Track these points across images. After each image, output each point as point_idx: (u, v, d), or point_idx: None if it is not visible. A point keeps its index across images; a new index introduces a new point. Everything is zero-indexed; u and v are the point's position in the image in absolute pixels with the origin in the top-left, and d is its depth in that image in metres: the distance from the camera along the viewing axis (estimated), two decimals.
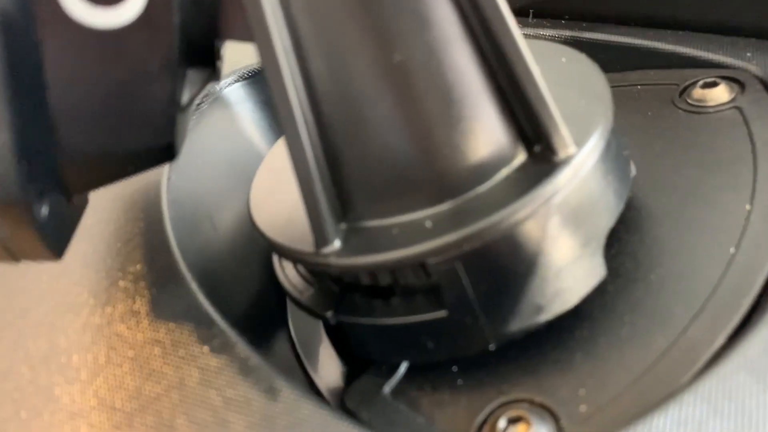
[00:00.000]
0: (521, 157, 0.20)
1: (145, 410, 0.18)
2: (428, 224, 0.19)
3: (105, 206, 0.24)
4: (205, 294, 0.22)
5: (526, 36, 0.33)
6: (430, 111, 0.19)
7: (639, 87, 0.30)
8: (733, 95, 0.27)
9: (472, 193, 0.20)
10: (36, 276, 0.22)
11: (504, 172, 0.20)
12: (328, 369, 0.25)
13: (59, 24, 0.15)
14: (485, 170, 0.20)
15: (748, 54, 0.29)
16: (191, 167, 0.28)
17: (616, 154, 0.21)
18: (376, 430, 0.20)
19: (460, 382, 0.21)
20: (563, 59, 0.24)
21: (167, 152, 0.18)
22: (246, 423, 0.17)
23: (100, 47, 0.16)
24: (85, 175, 0.18)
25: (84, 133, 0.17)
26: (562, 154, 0.19)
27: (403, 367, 0.22)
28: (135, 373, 0.19)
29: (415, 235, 0.19)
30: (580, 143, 0.19)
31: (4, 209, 0.16)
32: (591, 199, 0.20)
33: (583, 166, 0.19)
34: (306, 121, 0.18)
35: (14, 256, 0.18)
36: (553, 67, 0.23)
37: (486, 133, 0.19)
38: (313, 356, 0.26)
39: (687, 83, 0.29)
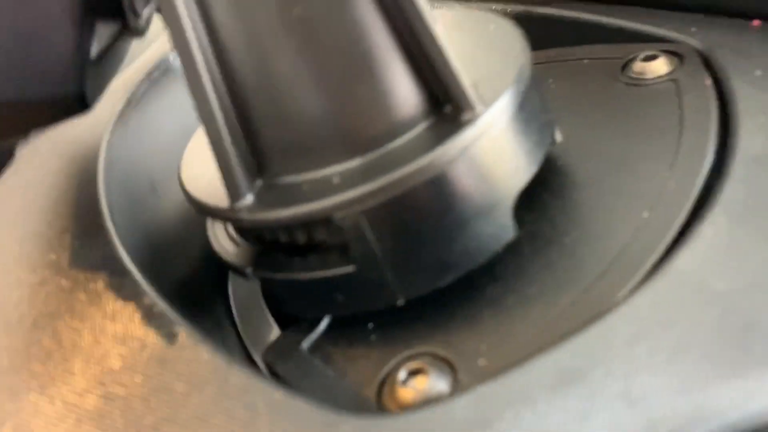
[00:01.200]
0: (433, 116, 0.20)
1: (54, 354, 0.18)
2: (336, 180, 0.20)
3: (43, 164, 0.25)
4: (131, 249, 0.22)
5: (475, 7, 0.33)
6: (334, 67, 0.19)
7: (585, 61, 0.30)
8: (671, 68, 0.27)
9: (381, 150, 0.20)
10: None
11: (414, 131, 0.20)
12: (262, 330, 0.26)
13: None
14: (394, 128, 0.20)
15: (693, 29, 0.29)
16: (136, 134, 0.28)
17: (530, 116, 0.21)
18: (291, 384, 0.21)
19: (373, 337, 0.21)
20: (491, 27, 0.24)
21: (78, 103, 0.19)
22: (138, 363, 0.17)
23: None
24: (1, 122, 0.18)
25: None
26: (468, 115, 0.19)
27: (323, 324, 0.22)
28: (46, 317, 0.19)
29: (323, 190, 0.19)
30: (488, 104, 0.20)
31: None
32: (499, 159, 0.20)
33: (490, 126, 0.20)
34: (212, 76, 0.19)
35: None
36: (478, 33, 0.24)
37: (394, 92, 0.20)
38: (248, 318, 0.26)
39: (630, 57, 0.29)
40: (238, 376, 0.17)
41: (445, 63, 0.19)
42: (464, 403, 0.16)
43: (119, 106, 0.28)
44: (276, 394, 0.17)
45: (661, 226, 0.21)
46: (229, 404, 0.17)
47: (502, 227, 0.21)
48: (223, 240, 0.24)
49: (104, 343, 0.18)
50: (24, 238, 0.22)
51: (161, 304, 0.19)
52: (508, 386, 0.17)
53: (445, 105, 0.20)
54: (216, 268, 0.27)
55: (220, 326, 0.25)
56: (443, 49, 0.19)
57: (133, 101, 0.30)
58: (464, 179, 0.20)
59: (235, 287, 0.28)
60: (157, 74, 0.31)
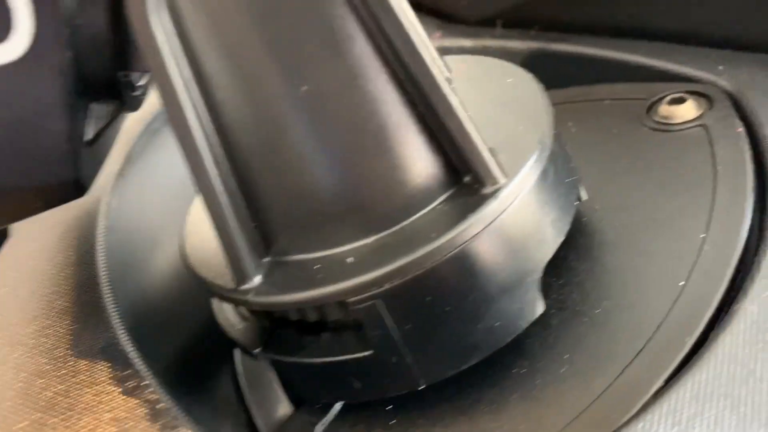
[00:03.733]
0: (452, 188, 0.19)
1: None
2: (350, 260, 0.18)
3: (38, 230, 0.24)
4: (133, 330, 0.21)
5: (492, 48, 0.32)
6: (347, 142, 0.18)
7: (607, 102, 0.29)
8: (700, 112, 0.26)
9: (398, 227, 0.19)
10: None
11: (432, 205, 0.19)
12: (273, 406, 0.25)
13: None
14: (412, 203, 0.19)
15: (720, 67, 0.28)
16: (136, 191, 0.27)
17: (555, 182, 0.20)
18: None
19: (393, 422, 0.20)
20: (509, 79, 0.22)
21: (74, 187, 0.18)
22: None
23: None
24: None
25: None
26: (489, 186, 0.18)
27: (338, 405, 0.21)
28: (49, 415, 0.18)
29: (336, 272, 0.18)
30: (511, 174, 0.18)
31: None
32: (524, 231, 0.19)
33: (513, 197, 0.18)
34: (214, 154, 0.18)
35: None
36: (495, 88, 0.22)
37: (411, 165, 0.18)
38: (258, 393, 0.25)
39: (655, 98, 0.27)
40: None
41: (465, 134, 0.18)
42: None
43: (118, 165, 0.27)
44: None
45: (700, 299, 0.19)
46: None
47: (530, 303, 0.19)
48: (229, 313, 0.23)
49: None
50: (23, 321, 0.21)
51: (166, 400, 0.18)
52: None
53: (465, 176, 0.19)
54: (222, 338, 0.26)
55: (228, 402, 0.24)
56: (462, 120, 0.17)
57: (133, 156, 0.28)
58: (488, 255, 0.18)
59: (243, 358, 0.26)
60: (157, 125, 0.30)
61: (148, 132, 0.29)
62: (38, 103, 0.16)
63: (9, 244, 0.23)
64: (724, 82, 0.27)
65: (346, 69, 0.17)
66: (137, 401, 0.18)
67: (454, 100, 0.17)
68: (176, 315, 0.24)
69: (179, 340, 0.23)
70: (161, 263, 0.26)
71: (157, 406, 0.18)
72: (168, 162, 0.29)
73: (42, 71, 0.16)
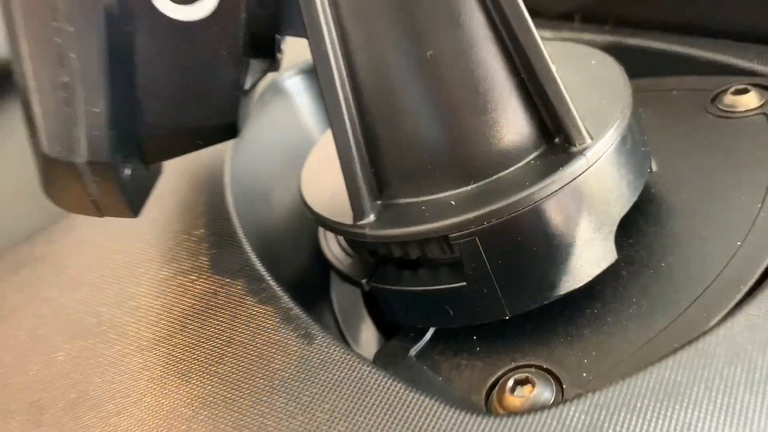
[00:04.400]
0: (543, 146, 0.22)
1: (200, 346, 0.21)
2: (453, 203, 0.22)
3: (175, 179, 0.28)
4: (259, 255, 0.25)
5: (570, 40, 0.35)
6: (458, 102, 0.21)
7: (675, 92, 0.32)
8: (761, 102, 0.28)
9: (495, 177, 0.22)
10: (113, 234, 0.26)
11: (526, 160, 0.22)
12: (364, 335, 0.28)
13: (149, 17, 0.18)
14: (508, 157, 0.22)
15: None
16: (252, 149, 0.31)
17: (632, 149, 0.23)
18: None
19: (478, 349, 0.23)
20: (593, 62, 0.26)
21: (231, 130, 0.21)
22: (284, 361, 0.20)
23: (180, 37, 0.19)
24: (161, 146, 0.21)
25: (162, 110, 0.20)
26: (578, 146, 0.21)
27: (429, 333, 0.24)
28: (193, 316, 0.22)
29: (441, 212, 0.21)
30: (596, 137, 0.21)
31: (96, 167, 0.19)
32: (604, 188, 0.22)
33: (597, 157, 0.21)
34: (348, 109, 0.21)
35: (100, 210, 0.21)
36: (582, 68, 0.25)
37: (509, 124, 0.22)
38: (351, 324, 0.29)
39: (719, 89, 0.30)
40: (373, 375, 0.19)
41: (562, 100, 0.21)
42: (576, 410, 0.18)
43: None
44: (410, 394, 0.19)
45: (754, 255, 0.22)
46: (367, 402, 0.19)
47: (604, 252, 0.22)
48: (336, 251, 0.26)
49: (250, 340, 0.20)
50: (167, 246, 0.25)
51: (296, 308, 0.22)
52: (616, 397, 0.18)
53: (556, 137, 0.22)
54: (320, 273, 0.30)
55: (328, 328, 0.27)
56: (560, 87, 0.21)
57: (249, 121, 0.32)
58: (572, 206, 0.21)
59: (337, 292, 0.30)
60: (268, 96, 0.34)
61: (261, 101, 0.33)
62: (216, 55, 0.20)
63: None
64: None
65: (465, 38, 0.20)
66: (272, 308, 0.21)
67: (553, 68, 0.20)
68: (286, 250, 0.28)
69: (292, 270, 0.27)
70: (275, 208, 0.29)
71: (291, 312, 0.21)
72: (276, 127, 0.33)
73: (223, 29, 0.19)
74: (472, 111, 0.21)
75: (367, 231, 0.22)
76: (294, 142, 0.33)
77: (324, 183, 0.26)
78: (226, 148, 0.30)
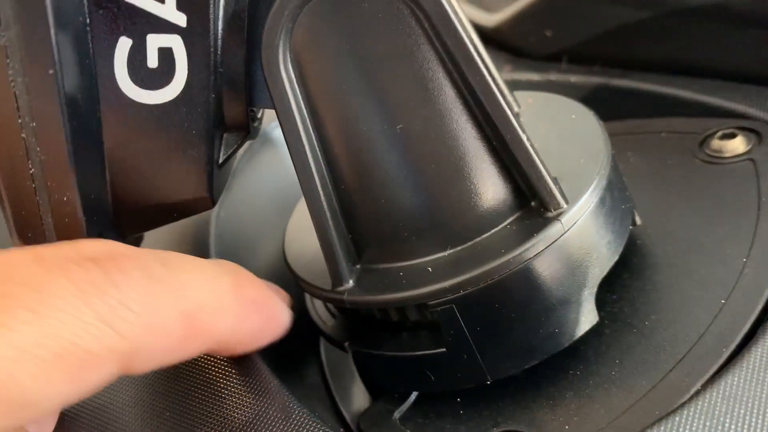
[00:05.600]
0: (520, 211, 0.22)
1: (180, 424, 0.21)
2: (430, 269, 0.22)
3: (160, 235, 0.28)
4: None
5: (557, 82, 0.35)
6: (430, 172, 0.21)
7: (663, 134, 0.32)
8: (749, 147, 0.28)
9: (471, 243, 0.22)
10: None
11: (503, 224, 0.22)
12: (353, 394, 0.28)
13: (117, 102, 0.19)
14: (484, 222, 0.22)
15: None
16: (239, 201, 0.31)
17: (611, 208, 0.23)
18: None
19: (461, 411, 0.23)
20: (572, 116, 0.25)
21: (206, 202, 0.21)
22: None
23: (148, 119, 0.19)
24: (136, 220, 0.21)
25: (134, 189, 0.20)
26: (553, 211, 0.21)
27: (413, 396, 0.24)
28: (175, 391, 0.22)
29: (418, 278, 0.21)
30: (572, 200, 0.21)
31: None
32: (582, 251, 0.22)
33: (573, 221, 0.21)
34: (322, 179, 0.21)
35: None
36: (560, 123, 0.25)
37: (484, 191, 0.21)
38: (340, 380, 0.28)
39: (707, 133, 0.30)
40: None
41: (532, 165, 0.21)
42: None
43: None
44: None
45: (738, 315, 0.22)
46: None
47: (585, 314, 0.22)
48: (321, 310, 0.26)
49: (229, 415, 0.21)
50: None
51: (275, 381, 0.22)
52: None
53: (532, 201, 0.22)
54: (310, 326, 0.30)
55: (316, 388, 0.27)
56: (530, 152, 0.21)
57: (237, 172, 0.32)
58: (550, 271, 0.21)
59: (326, 347, 0.30)
60: (257, 146, 0.34)
61: (250, 151, 0.33)
62: (186, 134, 0.20)
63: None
64: None
65: (435, 111, 0.20)
66: (251, 381, 0.21)
67: (523, 137, 0.20)
68: None
69: None
70: (261, 264, 0.30)
71: (270, 386, 0.21)
72: (265, 178, 0.33)
73: (191, 109, 0.19)
74: (445, 180, 0.21)
75: (345, 297, 0.22)
76: (282, 192, 0.33)
77: (307, 242, 0.26)
78: None
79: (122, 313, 0.17)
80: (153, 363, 0.18)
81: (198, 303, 0.19)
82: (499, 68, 0.24)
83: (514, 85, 0.29)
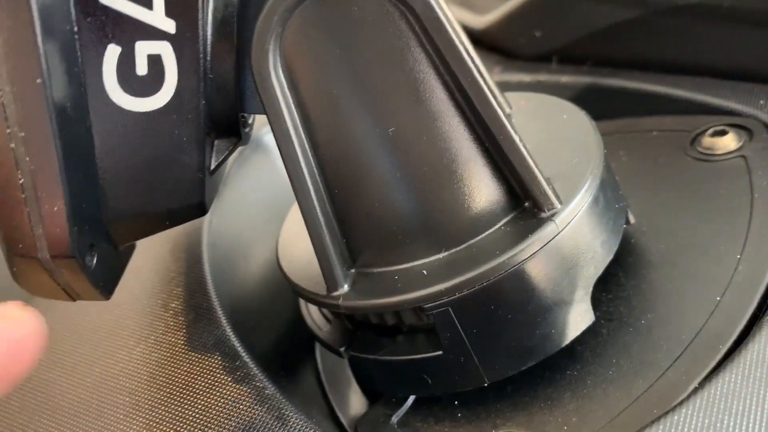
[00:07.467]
0: (514, 212, 0.22)
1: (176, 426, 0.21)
2: (425, 272, 0.21)
3: (152, 246, 0.28)
4: (235, 328, 0.24)
5: (547, 82, 0.35)
6: (423, 174, 0.21)
7: (654, 133, 0.32)
8: (740, 143, 0.28)
9: (466, 245, 0.22)
10: (88, 310, 0.26)
11: (497, 225, 0.22)
12: (349, 399, 0.28)
13: (106, 110, 0.18)
14: (479, 224, 0.22)
15: (761, 101, 0.30)
16: (231, 208, 0.31)
17: (605, 207, 0.23)
18: None
19: (459, 415, 0.23)
20: (564, 116, 0.25)
21: (198, 209, 0.21)
22: None
23: (138, 127, 0.19)
24: (128, 229, 0.21)
25: (126, 197, 0.20)
26: (546, 211, 0.21)
27: (410, 399, 0.24)
28: (174, 396, 0.22)
29: (413, 282, 0.21)
30: (565, 200, 0.21)
31: (60, 261, 0.19)
32: (576, 251, 0.22)
33: (567, 221, 0.21)
34: (314, 183, 0.21)
35: (72, 296, 0.21)
36: (553, 123, 0.25)
37: (478, 192, 0.21)
38: (337, 385, 0.28)
39: (698, 131, 0.30)
40: None
41: (525, 167, 0.21)
42: None
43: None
44: None
45: (734, 312, 0.22)
46: None
47: (581, 314, 0.22)
48: (316, 316, 0.26)
49: (226, 422, 0.20)
50: (143, 322, 0.25)
51: (271, 387, 0.21)
52: None
53: (525, 202, 0.22)
54: (305, 333, 0.29)
55: (312, 393, 0.27)
56: (522, 153, 0.20)
57: (228, 178, 0.32)
58: (544, 272, 0.21)
59: (322, 353, 0.30)
60: (249, 152, 0.34)
61: (241, 158, 0.33)
62: (177, 141, 0.20)
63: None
64: (764, 116, 0.29)
65: (426, 113, 0.20)
66: (247, 388, 0.21)
67: (516, 138, 0.20)
68: (265, 313, 0.28)
69: (271, 338, 0.27)
70: (254, 271, 0.29)
71: (265, 392, 0.21)
72: (257, 184, 0.33)
73: (181, 116, 0.19)
74: (438, 182, 0.21)
75: (340, 302, 0.22)
76: (275, 198, 0.33)
77: (300, 248, 0.26)
78: None
79: None
80: None
81: None
82: (489, 70, 0.24)
83: (504, 87, 0.29)
